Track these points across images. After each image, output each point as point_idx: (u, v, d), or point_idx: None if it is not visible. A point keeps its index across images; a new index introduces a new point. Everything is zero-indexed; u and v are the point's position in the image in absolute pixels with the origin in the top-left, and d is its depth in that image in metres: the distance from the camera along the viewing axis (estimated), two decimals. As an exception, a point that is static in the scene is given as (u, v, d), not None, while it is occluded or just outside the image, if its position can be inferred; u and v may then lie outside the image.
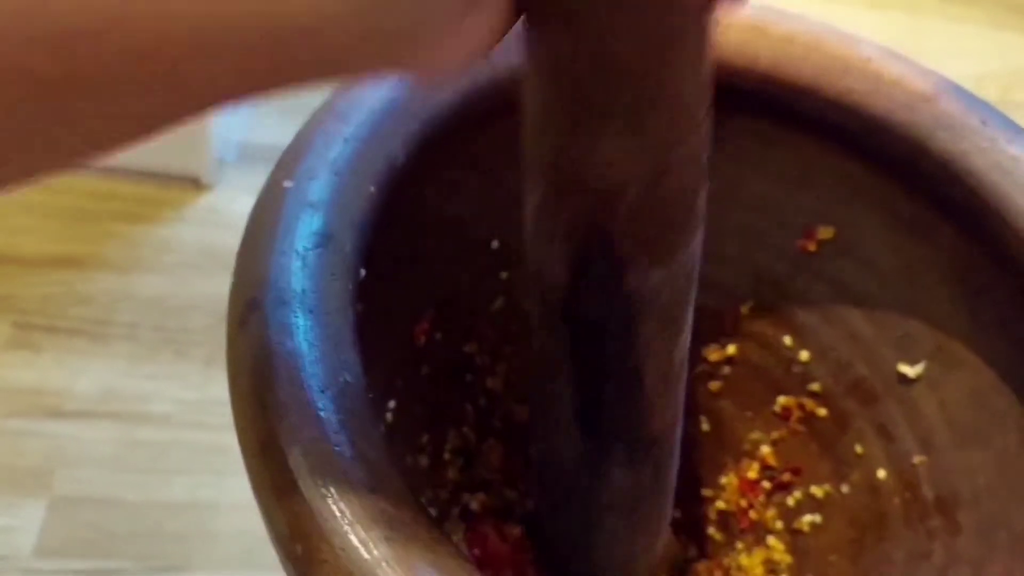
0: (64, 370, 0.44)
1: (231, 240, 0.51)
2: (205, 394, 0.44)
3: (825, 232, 0.34)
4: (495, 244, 0.34)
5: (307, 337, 0.21)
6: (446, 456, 0.35)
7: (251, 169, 0.53)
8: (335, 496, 0.19)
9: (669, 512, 0.31)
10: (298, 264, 0.22)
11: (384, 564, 0.18)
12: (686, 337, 0.27)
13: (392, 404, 0.31)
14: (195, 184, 0.51)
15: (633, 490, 0.28)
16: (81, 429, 0.42)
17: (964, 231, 0.30)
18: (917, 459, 0.32)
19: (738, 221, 0.35)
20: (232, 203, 0.51)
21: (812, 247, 0.34)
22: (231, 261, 0.51)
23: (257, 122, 0.54)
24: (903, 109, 0.30)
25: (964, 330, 0.31)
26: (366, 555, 0.18)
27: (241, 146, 0.54)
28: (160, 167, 0.51)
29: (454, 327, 0.35)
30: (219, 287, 0.47)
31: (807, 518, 0.34)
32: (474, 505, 0.33)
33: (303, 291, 0.22)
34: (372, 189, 0.25)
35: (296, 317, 0.21)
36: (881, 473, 0.33)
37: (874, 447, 0.33)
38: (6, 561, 0.39)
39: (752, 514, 0.36)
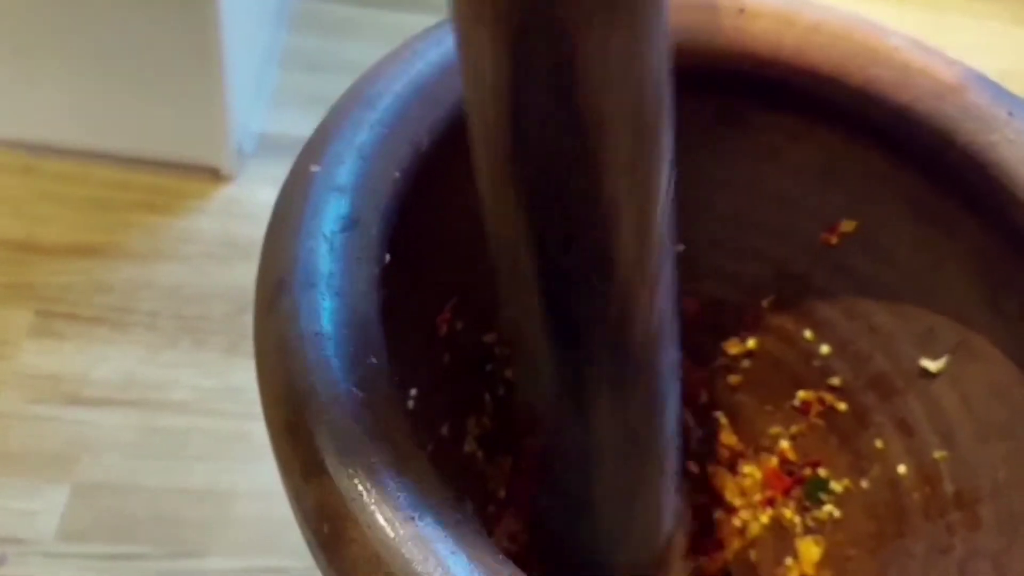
0: (85, 357, 0.44)
1: (250, 230, 0.51)
2: (224, 382, 0.45)
3: (847, 225, 0.34)
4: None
5: (334, 319, 0.21)
6: (467, 447, 0.35)
7: (270, 160, 0.53)
8: (362, 476, 0.19)
9: (674, 477, 0.30)
10: (325, 247, 0.22)
11: (409, 543, 0.18)
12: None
13: (414, 392, 0.32)
14: (214, 175, 0.52)
15: (625, 428, 0.27)
16: (102, 416, 0.43)
17: (988, 224, 0.30)
18: (938, 454, 0.32)
19: (760, 215, 0.35)
20: (252, 194, 0.51)
21: (834, 240, 0.34)
22: (250, 251, 0.51)
23: (276, 113, 0.55)
24: (930, 99, 0.30)
25: (987, 324, 0.31)
26: (392, 534, 0.18)
27: (260, 137, 0.54)
28: (179, 157, 0.52)
29: (475, 317, 0.35)
30: (238, 277, 0.48)
31: (826, 509, 0.34)
32: (501, 494, 0.34)
33: (330, 274, 0.22)
34: (397, 174, 0.25)
35: (323, 299, 0.21)
36: (901, 468, 0.33)
37: (894, 442, 0.33)
38: (30, 544, 0.39)
39: (771, 509, 0.36)
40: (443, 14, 0.69)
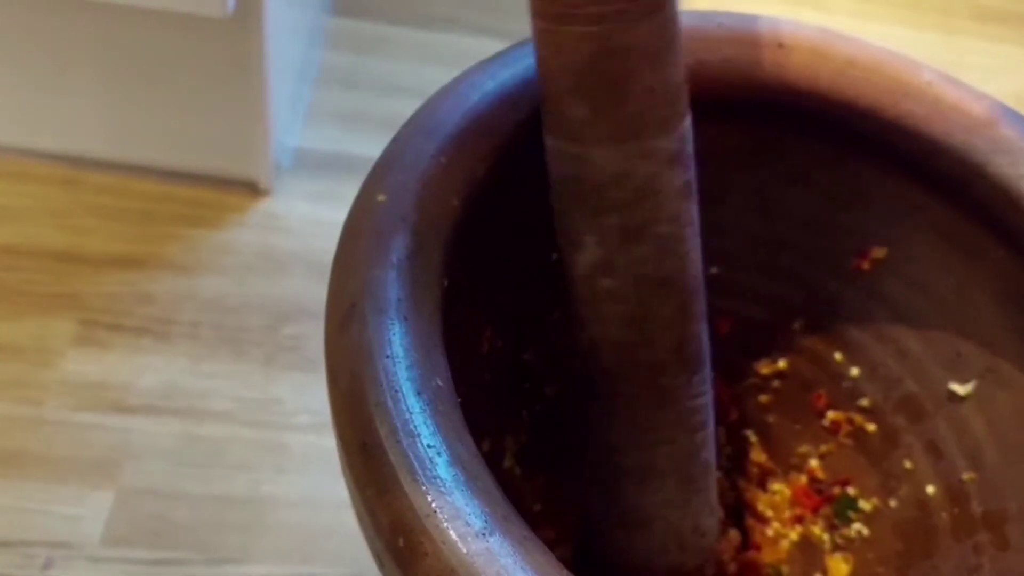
0: (129, 367, 0.45)
1: (288, 243, 0.53)
2: (263, 393, 0.46)
3: (879, 252, 0.35)
4: (554, 256, 0.35)
5: (403, 343, 0.22)
6: (506, 463, 0.36)
7: (305, 175, 0.54)
8: (435, 493, 0.20)
9: (715, 489, 0.32)
10: (393, 274, 0.23)
11: (480, 558, 0.19)
12: None
13: (458, 411, 0.33)
14: (252, 188, 0.53)
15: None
16: (145, 423, 0.44)
17: (1016, 253, 0.31)
18: (966, 475, 0.33)
19: (793, 237, 0.36)
20: (289, 208, 0.52)
21: (866, 266, 0.35)
22: (287, 264, 0.52)
23: (312, 130, 0.56)
24: (961, 132, 0.31)
25: (1014, 350, 0.32)
26: (464, 549, 0.19)
27: (297, 152, 0.55)
28: (219, 171, 0.53)
29: (514, 336, 0.36)
30: (276, 288, 0.49)
31: (855, 528, 0.35)
32: (537, 507, 0.35)
33: (398, 299, 0.23)
34: (456, 203, 0.26)
35: (393, 324, 0.23)
36: (930, 488, 0.34)
37: (923, 463, 0.34)
38: (75, 549, 0.40)
39: (800, 526, 0.37)
40: (475, 32, 0.69)
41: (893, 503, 0.34)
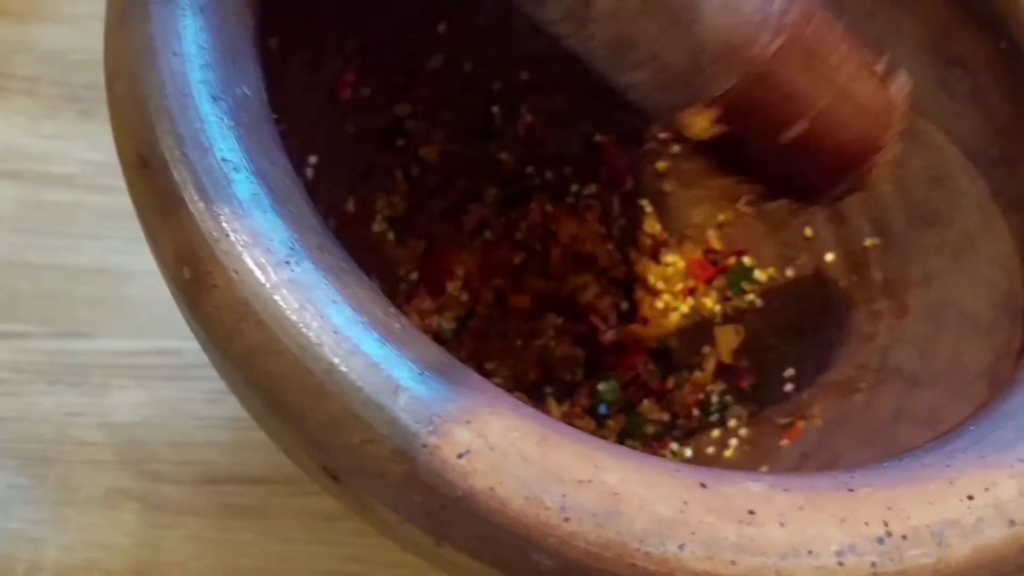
0: (-44, 124, 0.40)
1: (144, -8, 0.46)
2: (113, 156, 0.41)
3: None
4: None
5: (197, 39, 0.18)
6: (376, 227, 0.33)
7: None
8: (227, 215, 0.16)
9: None
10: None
11: (283, 289, 0.16)
12: None
13: (313, 159, 0.29)
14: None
15: None
16: (-23, 187, 0.39)
17: (950, -1, 0.28)
18: (869, 242, 0.31)
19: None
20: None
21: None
22: (144, 15, 0.46)
23: None
24: None
25: (933, 104, 0.29)
26: (263, 279, 0.16)
27: None
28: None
29: (383, 84, 0.32)
30: (131, 43, 0.44)
31: (748, 299, 0.33)
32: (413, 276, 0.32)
33: (194, -13, 0.19)
34: None
35: (184, 14, 0.18)
36: (829, 256, 0.32)
37: (824, 230, 0.32)
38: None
39: (692, 299, 0.35)
40: None
41: (790, 272, 0.32)
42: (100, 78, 0.42)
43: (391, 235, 0.33)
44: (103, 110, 0.41)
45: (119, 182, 0.40)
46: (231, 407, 0.37)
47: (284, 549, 0.34)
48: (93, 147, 0.41)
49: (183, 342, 0.38)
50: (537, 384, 0.34)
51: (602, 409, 0.33)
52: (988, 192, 0.28)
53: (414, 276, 0.34)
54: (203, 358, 0.38)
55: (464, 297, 0.34)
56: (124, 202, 0.40)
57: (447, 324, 0.33)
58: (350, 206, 0.31)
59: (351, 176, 0.31)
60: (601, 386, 0.33)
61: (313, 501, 0.34)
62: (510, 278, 0.35)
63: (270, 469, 0.35)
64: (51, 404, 0.36)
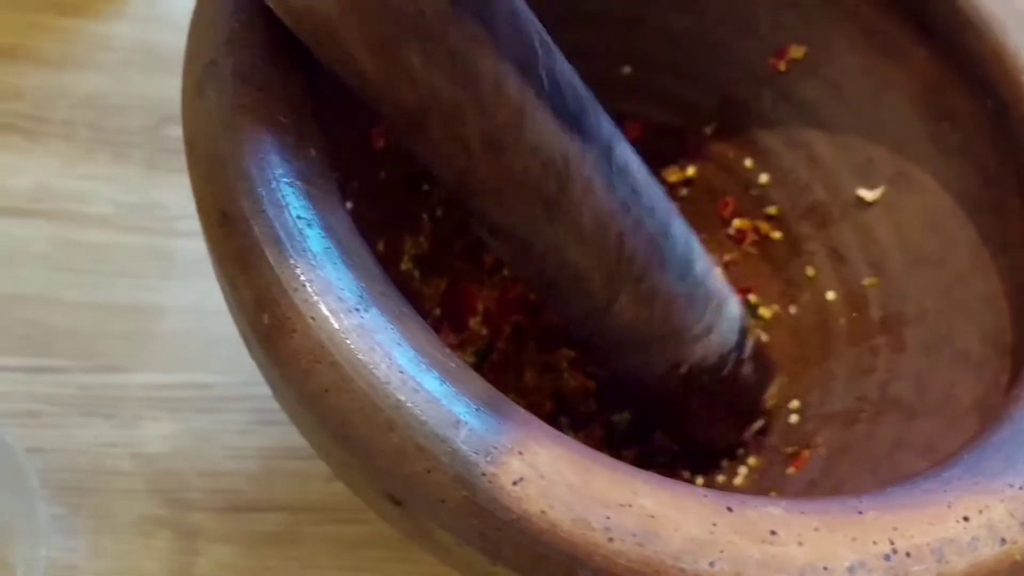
0: (-5, 166, 0.42)
1: (171, 39, 0.48)
2: (145, 197, 0.43)
3: (796, 51, 0.33)
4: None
5: (268, 105, 0.20)
6: (403, 266, 0.35)
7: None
8: (303, 267, 0.18)
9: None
10: (260, 22, 0.21)
11: (353, 334, 0.18)
12: None
13: (349, 205, 0.31)
14: (131, -22, 0.48)
15: None
16: (12, 227, 0.41)
17: (938, 51, 0.30)
18: (867, 281, 0.32)
19: (710, 37, 0.34)
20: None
21: (782, 67, 0.34)
22: (172, 61, 0.48)
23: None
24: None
25: (925, 154, 0.31)
26: (336, 325, 0.18)
27: (181, -60, 0.50)
28: (93, -43, 0.48)
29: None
30: (159, 88, 0.45)
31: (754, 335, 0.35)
32: (437, 312, 0.33)
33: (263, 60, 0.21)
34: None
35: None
36: (830, 294, 0.33)
37: (826, 269, 0.34)
38: (-60, 355, 0.38)
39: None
40: None
41: (793, 309, 0.34)
42: (132, 122, 0.44)
43: (416, 273, 0.35)
44: (135, 153, 0.44)
45: (151, 223, 0.43)
46: (260, 438, 0.39)
47: (311, 575, 0.35)
48: (125, 189, 0.43)
49: (213, 376, 0.40)
50: (552, 415, 0.35)
51: (616, 439, 0.34)
52: (978, 236, 0.29)
53: (438, 312, 0.35)
54: (232, 391, 0.40)
55: (484, 332, 0.36)
56: (155, 242, 0.42)
57: (469, 358, 0.35)
58: (380, 247, 0.33)
59: (382, 220, 0.33)
60: (614, 417, 0.35)
61: (340, 529, 0.36)
62: (527, 313, 0.37)
63: (298, 498, 0.36)
64: (87, 436, 0.37)
